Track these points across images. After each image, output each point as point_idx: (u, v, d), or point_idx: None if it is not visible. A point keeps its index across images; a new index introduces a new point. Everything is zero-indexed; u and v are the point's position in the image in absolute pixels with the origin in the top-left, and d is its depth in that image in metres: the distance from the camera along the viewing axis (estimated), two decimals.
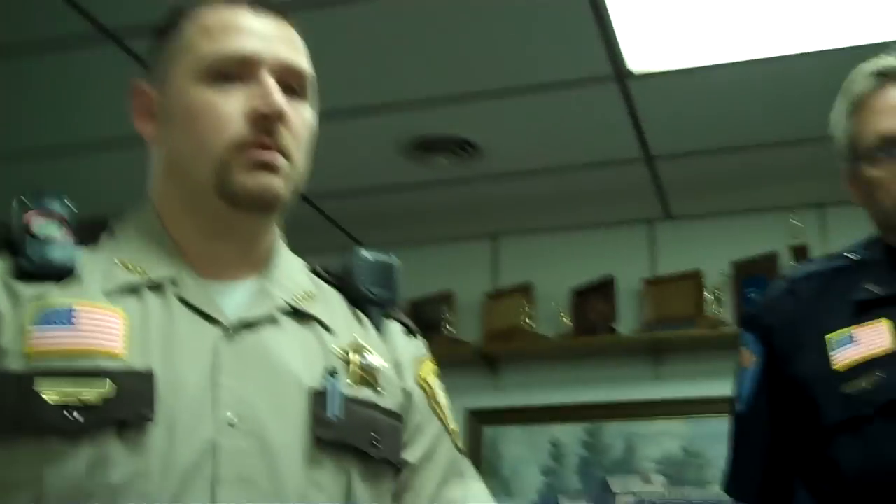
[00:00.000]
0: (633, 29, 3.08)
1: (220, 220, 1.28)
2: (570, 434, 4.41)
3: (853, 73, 1.79)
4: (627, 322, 4.40)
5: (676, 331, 4.23)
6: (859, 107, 1.75)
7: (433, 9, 2.94)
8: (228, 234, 1.29)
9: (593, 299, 4.43)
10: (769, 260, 4.17)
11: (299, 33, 1.34)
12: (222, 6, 1.30)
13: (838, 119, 1.79)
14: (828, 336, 1.72)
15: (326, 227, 4.39)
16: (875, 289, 1.73)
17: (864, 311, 1.72)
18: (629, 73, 3.30)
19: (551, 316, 4.45)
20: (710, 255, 4.32)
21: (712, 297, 4.25)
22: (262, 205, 1.26)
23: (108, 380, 1.13)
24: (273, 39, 1.28)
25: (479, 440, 4.46)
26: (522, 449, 4.44)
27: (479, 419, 4.43)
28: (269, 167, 1.24)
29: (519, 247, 4.66)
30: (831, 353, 1.70)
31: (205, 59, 1.26)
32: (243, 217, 1.27)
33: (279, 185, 1.25)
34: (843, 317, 1.73)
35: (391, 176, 4.05)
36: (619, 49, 3.16)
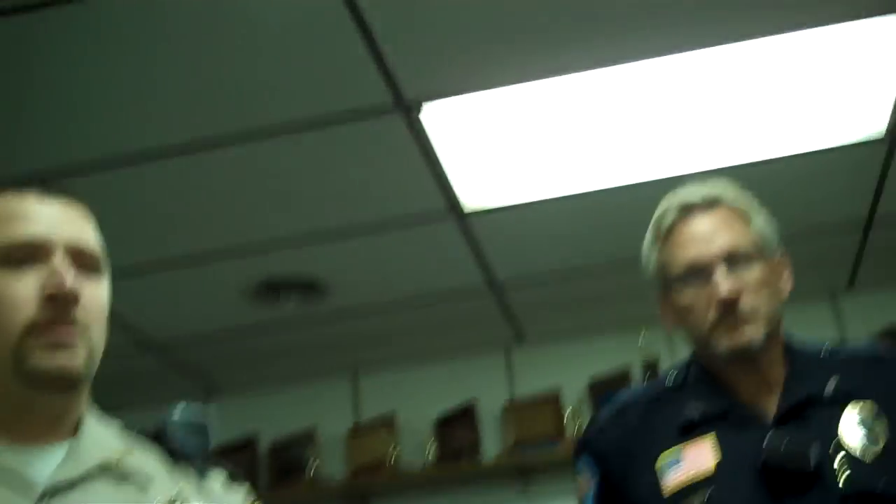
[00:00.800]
0: (464, 169, 3.19)
1: (21, 402, 1.28)
2: None
3: (660, 204, 1.88)
4: (492, 446, 4.43)
5: (540, 451, 4.28)
6: (666, 238, 1.83)
7: (274, 152, 2.99)
8: (32, 413, 1.29)
9: (457, 426, 4.45)
10: (623, 375, 4.26)
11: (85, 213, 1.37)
12: (10, 195, 1.33)
13: (648, 250, 1.87)
14: (658, 460, 1.76)
15: (180, 375, 4.33)
16: (696, 410, 1.79)
17: (690, 432, 1.77)
18: (465, 211, 3.42)
19: (416, 446, 4.46)
20: (567, 373, 4.42)
21: (572, 417, 4.31)
22: (60, 384, 1.27)
23: None
24: (61, 222, 1.32)
25: None
26: None
27: None
28: (65, 345, 1.26)
29: (379, 380, 4.67)
30: (661, 478, 1.74)
31: None
32: (44, 397, 1.27)
33: (76, 362, 1.27)
34: (671, 438, 1.78)
35: (241, 319, 4.04)
36: (451, 188, 3.28)
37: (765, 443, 1.69)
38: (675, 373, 1.90)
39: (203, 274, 3.61)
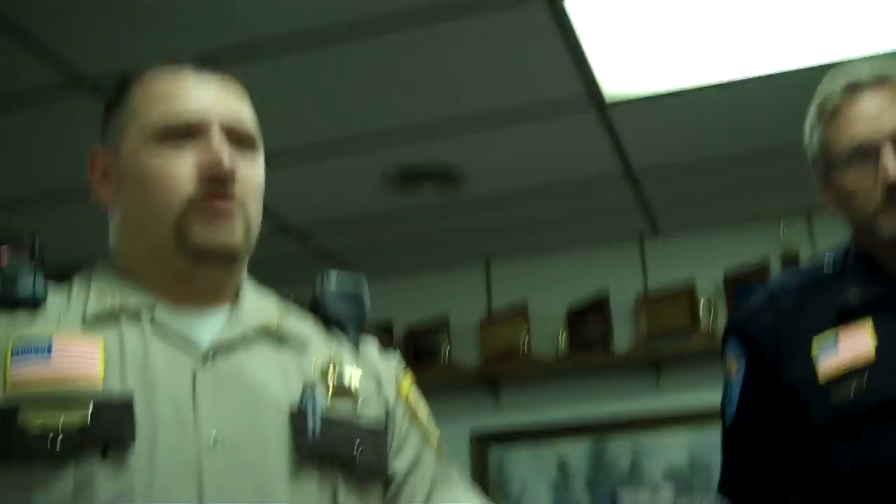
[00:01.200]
0: (606, 56, 3.12)
1: (184, 275, 1.31)
2: (575, 451, 4.44)
3: (823, 82, 1.81)
4: (623, 337, 4.43)
5: (672, 343, 4.26)
6: (831, 116, 1.76)
7: (411, 40, 2.98)
8: (193, 284, 1.32)
9: (589, 317, 4.46)
10: (761, 269, 4.19)
11: (243, 87, 1.39)
12: (167, 71, 1.35)
13: (811, 129, 1.81)
14: (813, 340, 1.74)
15: (319, 257, 4.45)
16: (856, 295, 1.75)
17: (847, 318, 1.74)
18: (606, 100, 3.35)
19: (548, 336, 4.49)
20: (702, 267, 4.36)
21: (707, 309, 4.27)
22: (221, 258, 1.30)
23: (89, 404, 1.17)
24: (218, 100, 1.33)
25: (484, 463, 4.49)
26: (529, 468, 4.47)
27: (483, 442, 4.46)
28: (224, 220, 1.29)
29: (511, 269, 4.69)
30: (816, 362, 1.72)
31: (154, 125, 1.30)
32: (204, 269, 1.31)
33: (235, 236, 1.30)
34: (827, 322, 1.75)
35: (379, 206, 4.08)
36: (593, 76, 3.21)
37: None
38: (833, 257, 1.86)
39: (344, 161, 3.65)
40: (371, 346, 1.45)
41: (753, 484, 1.88)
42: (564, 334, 4.48)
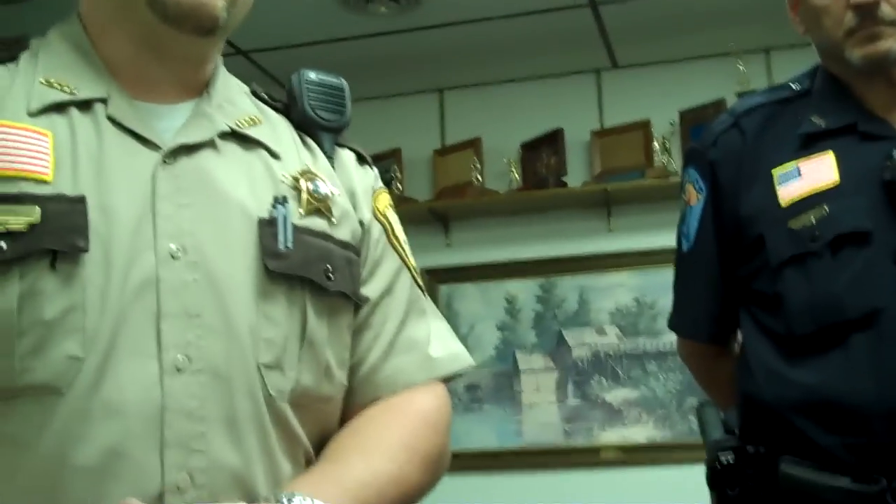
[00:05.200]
0: None
1: (151, 36, 1.17)
2: (524, 289, 4.45)
3: None
4: (577, 174, 4.39)
5: (626, 181, 4.22)
6: None
7: None
8: (162, 53, 1.18)
9: (542, 152, 4.40)
10: (717, 107, 4.13)
11: None
12: None
13: None
14: (774, 170, 1.69)
15: (263, 81, 4.27)
16: (820, 121, 1.71)
17: (810, 144, 1.70)
18: None
19: (501, 171, 4.44)
20: (658, 103, 4.30)
21: (661, 147, 4.23)
22: (196, 21, 1.15)
23: (35, 206, 1.05)
24: None
25: (434, 298, 4.44)
26: (477, 305, 4.48)
27: (433, 277, 4.43)
28: None
29: (465, 100, 4.59)
30: (777, 188, 1.68)
31: None
32: (176, 35, 1.16)
33: (217, 3, 1.14)
34: (789, 150, 1.71)
35: (330, 27, 3.93)
36: None
37: (892, 158, 1.62)
38: (801, 80, 1.81)
39: None
40: (348, 157, 1.32)
41: (704, 316, 1.86)
42: (517, 169, 4.41)
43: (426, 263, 4.40)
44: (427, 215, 4.43)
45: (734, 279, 1.77)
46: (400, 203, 4.27)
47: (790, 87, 1.80)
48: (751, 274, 1.73)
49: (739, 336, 1.81)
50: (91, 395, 1.04)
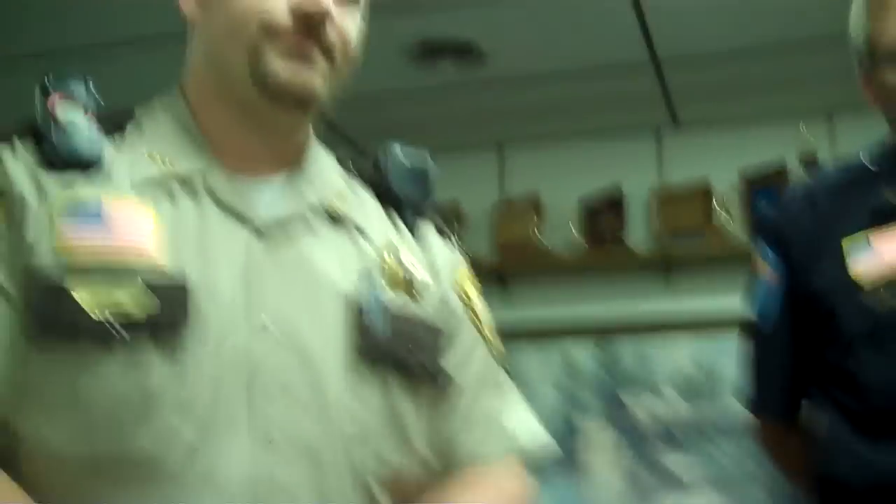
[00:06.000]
0: None
1: (251, 110, 1.21)
2: (583, 349, 4.40)
3: None
4: (637, 234, 4.36)
5: (687, 243, 4.19)
6: (880, 6, 1.66)
7: None
8: (260, 127, 1.23)
9: (603, 211, 4.38)
10: (779, 171, 4.11)
11: None
12: None
13: (857, 18, 1.71)
14: (844, 241, 1.67)
15: (327, 133, 4.32)
16: (893, 196, 1.68)
17: (882, 220, 1.67)
18: None
19: (560, 227, 4.41)
20: (719, 163, 4.26)
21: (722, 209, 4.20)
22: (295, 96, 1.19)
23: (140, 282, 1.08)
24: None
25: None
26: (535, 365, 4.43)
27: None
28: (306, 59, 1.18)
29: (525, 156, 4.59)
30: (849, 261, 1.65)
31: None
32: (276, 109, 1.20)
33: (315, 79, 1.19)
34: (860, 223, 1.68)
35: (394, 82, 3.97)
36: None
37: None
38: (872, 158, 1.79)
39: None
40: (430, 232, 1.35)
41: (781, 397, 1.83)
42: (577, 227, 4.39)
43: None
44: (486, 273, 4.39)
45: (808, 358, 1.74)
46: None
47: (862, 164, 1.79)
48: (823, 349, 1.70)
49: (806, 411, 1.78)
50: (188, 466, 1.08)
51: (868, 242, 1.65)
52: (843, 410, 1.66)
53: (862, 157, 1.79)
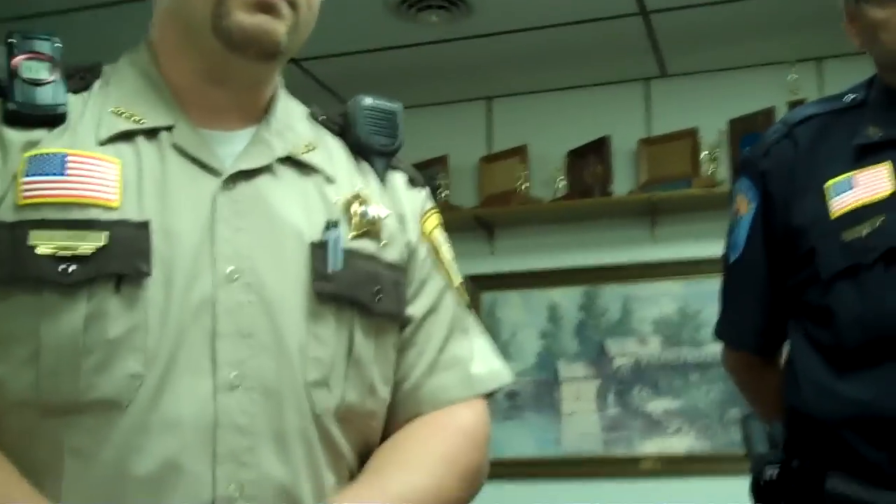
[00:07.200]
0: None
1: (216, 63, 1.22)
2: (567, 297, 4.43)
3: None
4: (623, 183, 4.37)
5: (673, 191, 4.20)
6: None
7: None
8: (225, 79, 1.24)
9: (589, 160, 4.39)
10: (766, 116, 4.10)
11: None
12: None
13: None
14: (827, 183, 1.68)
15: (314, 89, 4.32)
16: (875, 132, 1.69)
17: (865, 156, 1.68)
18: None
19: (547, 178, 4.43)
20: (707, 112, 4.27)
21: (709, 156, 4.20)
22: (260, 48, 1.20)
23: (103, 231, 1.11)
24: None
25: (476, 305, 4.46)
26: (520, 313, 4.48)
27: (476, 285, 4.43)
28: (270, 9, 1.18)
29: (513, 108, 4.59)
30: (830, 200, 1.67)
31: None
32: (241, 61, 1.21)
33: (279, 29, 1.19)
34: (843, 162, 1.69)
35: (380, 36, 3.96)
36: None
37: None
38: (856, 91, 1.79)
39: None
40: (398, 180, 1.36)
41: (751, 326, 1.85)
42: (563, 177, 4.41)
43: (469, 270, 4.37)
44: (472, 223, 4.43)
45: (783, 290, 1.76)
46: (445, 210, 4.28)
47: (844, 97, 1.79)
48: (800, 285, 1.72)
49: (786, 349, 1.80)
50: (150, 411, 1.10)
51: (850, 182, 1.66)
52: (815, 345, 1.69)
53: (846, 95, 1.80)
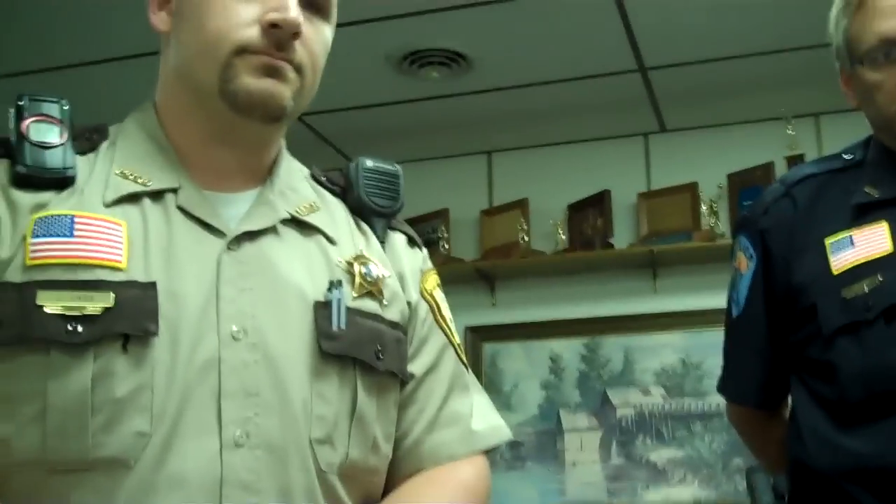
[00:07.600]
0: None
1: (222, 125, 1.24)
2: (569, 348, 4.45)
3: None
4: (623, 236, 4.40)
5: (673, 244, 4.22)
6: (859, 7, 1.70)
7: None
8: (231, 141, 1.26)
9: (589, 214, 4.43)
10: (765, 170, 4.15)
11: None
12: None
13: (837, 19, 1.74)
14: (827, 240, 1.70)
15: (316, 143, 4.37)
16: (873, 191, 1.71)
17: (863, 214, 1.70)
18: None
19: (547, 231, 4.46)
20: (706, 166, 4.31)
21: (708, 209, 4.23)
22: (265, 111, 1.22)
23: (110, 292, 1.12)
24: None
25: (478, 357, 4.49)
26: (522, 364, 4.49)
27: (478, 336, 4.45)
28: (276, 73, 1.20)
29: (513, 162, 4.64)
30: (830, 257, 1.68)
31: None
32: (245, 123, 1.23)
33: (285, 93, 1.21)
34: (842, 220, 1.71)
35: (382, 91, 4.00)
36: None
37: None
38: (853, 151, 1.82)
39: (346, 43, 3.51)
40: (398, 241, 1.39)
41: (753, 381, 1.86)
42: (563, 230, 4.44)
43: (471, 322, 4.43)
44: (473, 275, 4.46)
45: (785, 346, 1.77)
46: (446, 262, 4.35)
47: (842, 157, 1.81)
48: (802, 341, 1.73)
49: (790, 401, 1.81)
50: (157, 469, 1.10)
51: (850, 240, 1.68)
52: (818, 399, 1.70)
53: (842, 153, 1.82)
